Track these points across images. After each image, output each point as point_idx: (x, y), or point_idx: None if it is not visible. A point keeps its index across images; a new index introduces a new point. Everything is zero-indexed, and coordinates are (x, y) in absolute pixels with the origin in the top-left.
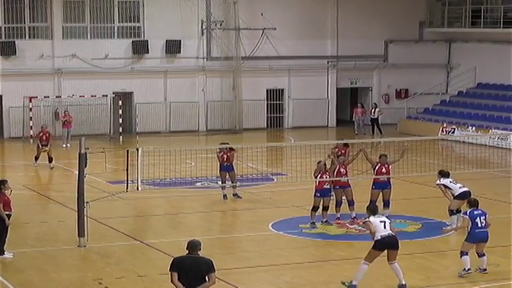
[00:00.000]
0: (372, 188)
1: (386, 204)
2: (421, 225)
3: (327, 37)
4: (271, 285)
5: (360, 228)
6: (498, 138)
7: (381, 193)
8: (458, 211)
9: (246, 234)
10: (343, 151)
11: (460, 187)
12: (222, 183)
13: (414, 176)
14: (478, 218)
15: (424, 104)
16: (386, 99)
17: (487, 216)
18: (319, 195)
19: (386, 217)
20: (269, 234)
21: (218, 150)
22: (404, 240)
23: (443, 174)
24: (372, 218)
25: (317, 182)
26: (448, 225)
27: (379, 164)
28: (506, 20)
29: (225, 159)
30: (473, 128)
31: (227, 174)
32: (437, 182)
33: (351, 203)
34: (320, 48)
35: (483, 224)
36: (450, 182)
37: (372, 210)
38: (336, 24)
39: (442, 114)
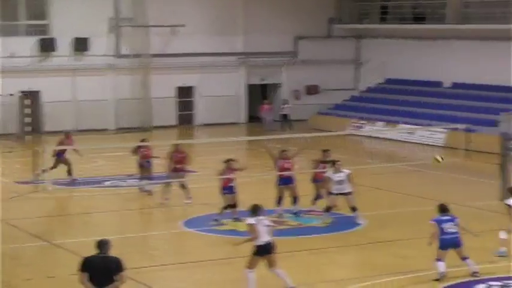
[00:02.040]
0: (277, 184)
1: (294, 200)
2: (331, 220)
3: (237, 34)
4: (183, 283)
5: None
6: (406, 132)
7: (286, 189)
8: None
9: (157, 232)
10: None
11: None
12: (141, 180)
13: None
14: (444, 224)
15: (334, 99)
16: (297, 96)
17: (456, 221)
18: (226, 192)
19: (295, 213)
20: (181, 232)
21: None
22: (315, 235)
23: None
24: (253, 220)
25: (224, 180)
26: None
27: (281, 160)
28: (414, 16)
29: (145, 155)
30: (382, 123)
31: (145, 170)
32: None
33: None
34: (230, 45)
35: (451, 230)
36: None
37: (254, 210)
38: (246, 20)
39: (351, 109)
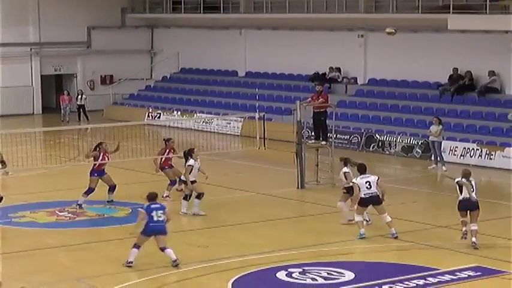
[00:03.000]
0: (93, 175)
1: (111, 189)
2: (130, 210)
3: (29, 24)
4: None
5: (70, 215)
6: (203, 122)
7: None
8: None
9: None
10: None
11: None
12: None
13: (123, 162)
14: (154, 212)
15: (130, 89)
16: (91, 86)
17: (165, 210)
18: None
19: (110, 201)
20: None
21: None
22: (115, 226)
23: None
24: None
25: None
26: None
27: (102, 152)
28: (206, 6)
29: None
30: (179, 112)
31: None
32: None
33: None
34: (22, 36)
35: (160, 218)
36: None
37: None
38: (38, 11)
39: (147, 99)
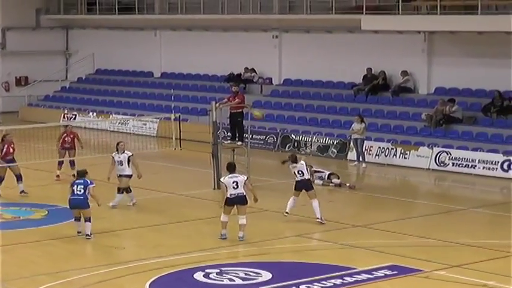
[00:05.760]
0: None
1: (18, 178)
2: (47, 212)
3: None
4: None
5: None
6: (119, 123)
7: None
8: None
9: None
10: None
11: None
12: None
13: (38, 163)
14: (75, 186)
15: (45, 91)
16: (6, 87)
17: (88, 187)
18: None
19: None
20: None
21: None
22: (31, 228)
23: None
24: None
25: None
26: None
27: (6, 145)
28: (120, 7)
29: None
30: (94, 113)
31: None
32: None
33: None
34: None
35: (79, 192)
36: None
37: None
38: None
39: (63, 100)
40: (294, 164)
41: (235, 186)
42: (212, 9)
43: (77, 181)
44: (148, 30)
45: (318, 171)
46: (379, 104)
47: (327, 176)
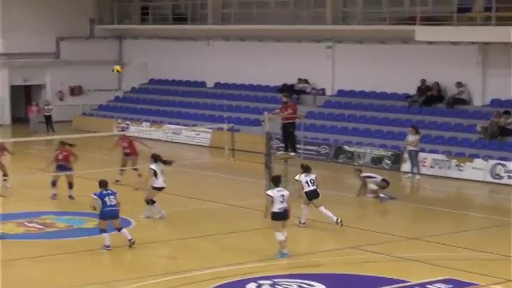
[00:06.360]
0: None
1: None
2: (117, 220)
3: None
4: None
5: (38, 226)
6: (172, 133)
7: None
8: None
9: None
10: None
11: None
12: None
13: (91, 173)
14: (107, 197)
15: (98, 100)
16: (60, 97)
17: (116, 195)
18: None
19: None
20: None
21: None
22: (83, 237)
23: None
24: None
25: None
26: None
27: (59, 151)
28: (174, 17)
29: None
30: (148, 123)
31: None
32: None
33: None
34: None
35: (112, 203)
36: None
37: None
38: (5, 21)
39: (116, 110)
40: (306, 173)
41: (282, 200)
42: (265, 20)
43: (105, 192)
44: (202, 40)
45: (370, 177)
46: (433, 115)
47: (380, 180)
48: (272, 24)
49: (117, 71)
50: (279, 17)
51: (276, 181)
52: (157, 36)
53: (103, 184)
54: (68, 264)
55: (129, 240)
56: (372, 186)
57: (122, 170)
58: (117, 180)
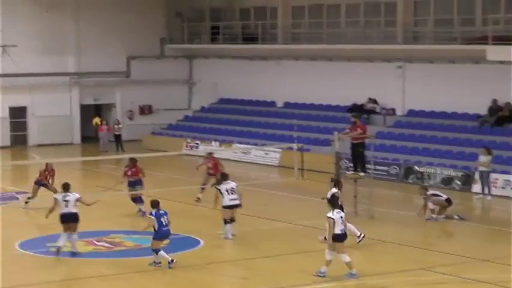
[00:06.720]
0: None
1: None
2: (168, 241)
3: (69, 53)
4: None
5: (107, 245)
6: (241, 152)
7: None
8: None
9: None
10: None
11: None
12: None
13: (160, 192)
14: (162, 218)
15: (168, 119)
16: (130, 116)
17: (168, 215)
18: None
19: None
20: (16, 254)
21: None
22: (151, 257)
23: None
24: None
25: None
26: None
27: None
28: (244, 36)
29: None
30: (217, 142)
31: None
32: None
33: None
34: (62, 65)
35: (166, 222)
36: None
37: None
38: (77, 40)
39: (185, 129)
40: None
41: (342, 222)
42: (336, 39)
43: (160, 212)
44: (272, 60)
45: (436, 195)
46: (505, 135)
47: (444, 200)
48: (342, 43)
49: (96, 123)
50: (350, 37)
51: (335, 202)
52: (228, 55)
53: (155, 204)
54: (137, 283)
55: (169, 261)
56: (430, 204)
57: (202, 189)
58: (198, 198)
